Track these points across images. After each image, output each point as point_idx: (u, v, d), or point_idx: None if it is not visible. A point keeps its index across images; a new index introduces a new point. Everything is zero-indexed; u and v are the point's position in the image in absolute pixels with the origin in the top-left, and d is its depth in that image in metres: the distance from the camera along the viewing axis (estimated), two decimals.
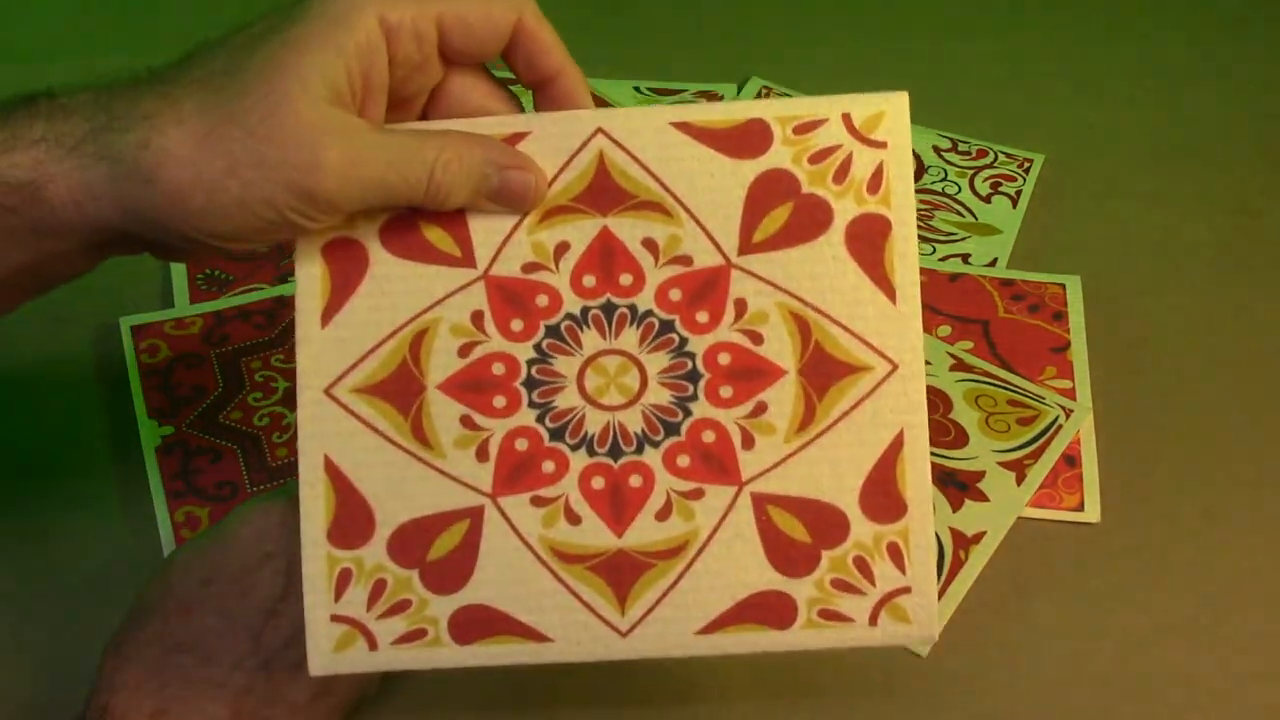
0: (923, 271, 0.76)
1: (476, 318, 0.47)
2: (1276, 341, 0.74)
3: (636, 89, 0.90)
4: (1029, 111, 0.90)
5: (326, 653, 0.47)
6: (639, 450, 0.47)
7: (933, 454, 0.66)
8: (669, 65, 0.92)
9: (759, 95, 0.89)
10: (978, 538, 0.63)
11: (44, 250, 0.46)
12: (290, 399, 0.67)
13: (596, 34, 0.96)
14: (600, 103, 0.88)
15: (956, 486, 0.65)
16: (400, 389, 0.46)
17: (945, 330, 0.73)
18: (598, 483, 0.47)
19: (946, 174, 0.84)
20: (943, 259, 0.77)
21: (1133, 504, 0.65)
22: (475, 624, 0.46)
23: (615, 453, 0.47)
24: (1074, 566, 0.63)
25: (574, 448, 0.47)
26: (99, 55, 0.91)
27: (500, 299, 0.47)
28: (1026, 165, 0.85)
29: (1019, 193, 0.83)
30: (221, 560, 0.52)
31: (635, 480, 0.47)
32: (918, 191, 0.82)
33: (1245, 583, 0.62)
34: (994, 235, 0.80)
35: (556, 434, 0.47)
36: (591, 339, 0.46)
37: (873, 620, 0.47)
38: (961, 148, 0.86)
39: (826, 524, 0.47)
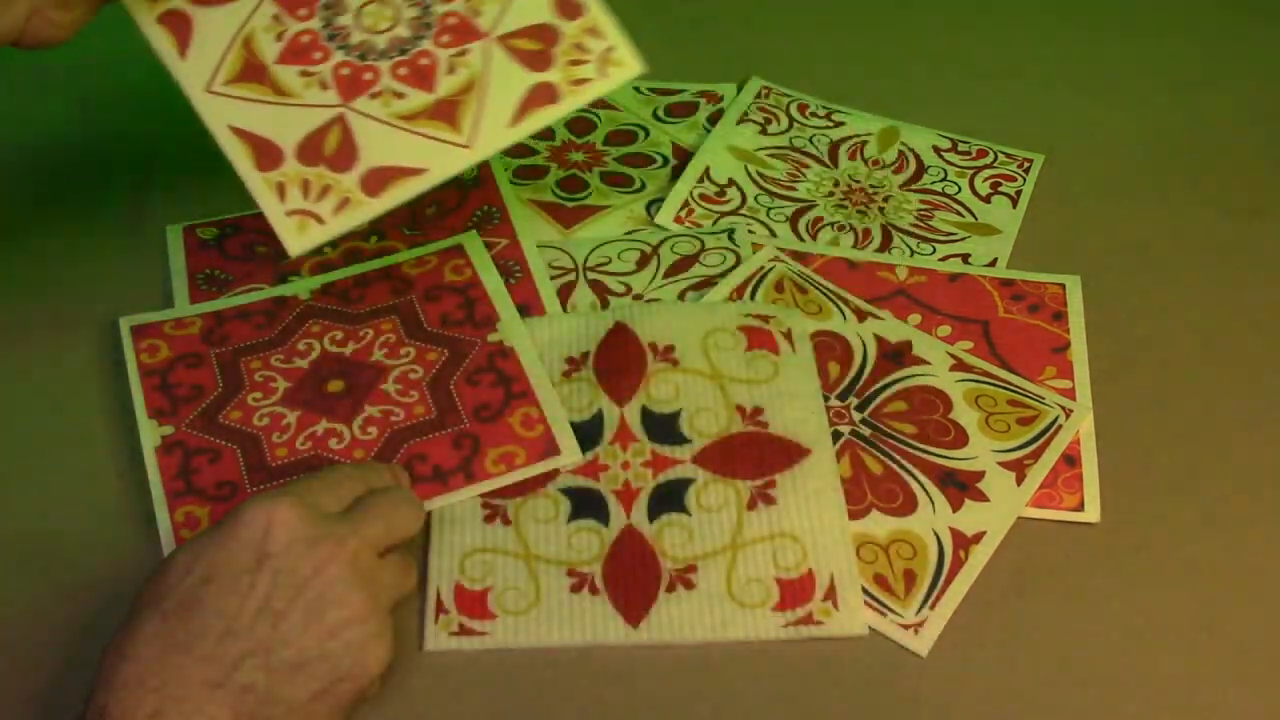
0: (923, 271, 0.76)
1: (275, 18, 0.66)
2: (1276, 341, 0.74)
3: (636, 89, 0.90)
4: (1029, 111, 0.89)
5: (295, 236, 0.64)
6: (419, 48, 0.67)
7: (933, 454, 0.66)
8: (669, 65, 0.92)
9: (760, 94, 0.89)
10: (978, 537, 0.63)
11: None
12: (291, 399, 0.67)
13: None
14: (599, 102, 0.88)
15: (956, 486, 0.65)
16: (253, 72, 0.65)
17: (945, 330, 0.73)
18: (403, 71, 0.66)
19: (946, 174, 0.84)
20: (943, 259, 0.77)
21: (1133, 504, 0.65)
22: (376, 180, 0.64)
23: (404, 52, 0.66)
24: (1074, 566, 0.63)
25: (378, 58, 0.66)
26: (99, 55, 0.91)
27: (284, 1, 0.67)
28: (1026, 165, 0.85)
29: (1019, 193, 0.83)
30: (221, 560, 0.52)
31: (425, 61, 0.66)
32: (917, 191, 0.82)
33: (1245, 583, 0.62)
34: (994, 235, 0.80)
35: (362, 56, 0.66)
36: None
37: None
38: (961, 148, 0.86)
39: (550, 34, 0.67)
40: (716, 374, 0.69)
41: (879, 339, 0.72)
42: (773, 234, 0.79)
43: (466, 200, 0.79)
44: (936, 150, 0.86)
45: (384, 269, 0.74)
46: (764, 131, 0.86)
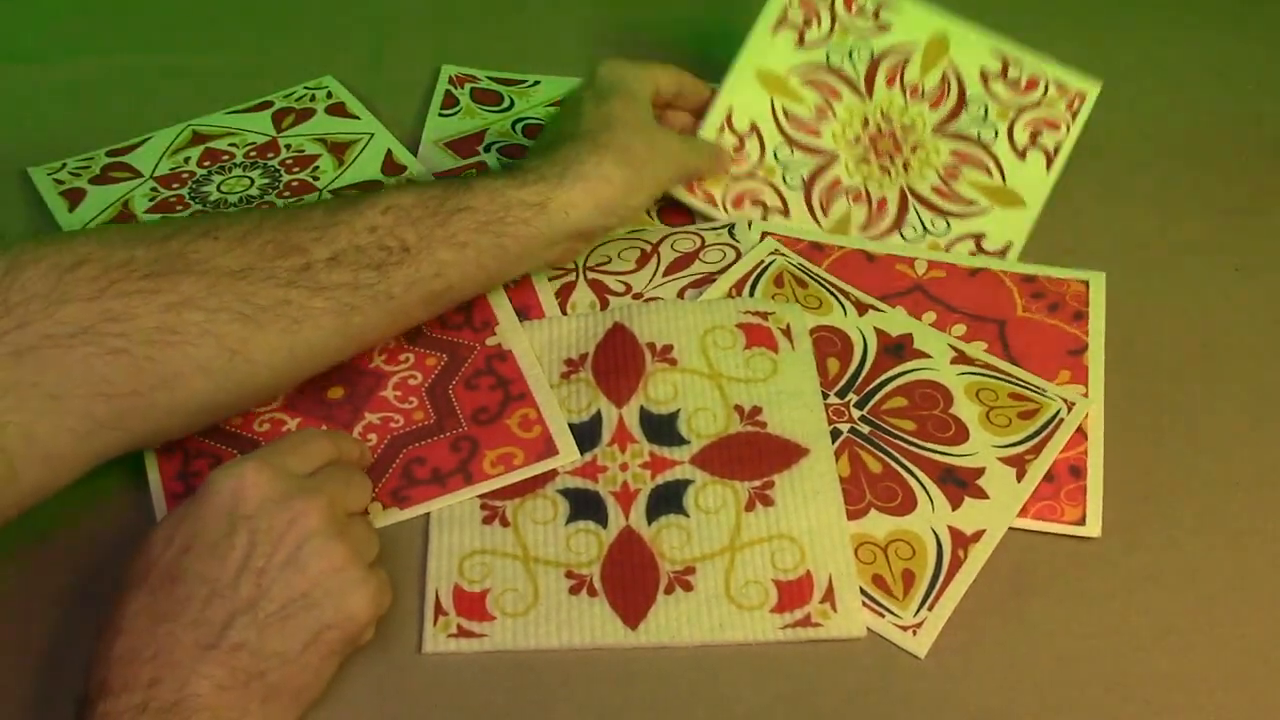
0: (942, 266, 0.76)
1: (154, 189, 0.78)
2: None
3: None
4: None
5: None
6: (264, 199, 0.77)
7: (932, 450, 0.66)
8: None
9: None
10: (977, 536, 0.63)
11: (532, 245, 0.68)
12: (291, 404, 0.68)
13: (596, 33, 0.96)
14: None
15: (956, 484, 0.65)
16: (124, 220, 0.75)
17: (960, 329, 0.73)
18: None
19: (987, 113, 0.80)
20: (956, 239, 0.76)
21: (1134, 516, 0.65)
22: None
23: (250, 201, 0.78)
24: (1072, 567, 0.63)
25: (228, 207, 0.76)
26: (99, 55, 0.91)
27: None
28: (1076, 106, 0.80)
29: (1058, 148, 0.79)
30: (198, 529, 0.54)
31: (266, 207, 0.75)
32: (950, 137, 0.80)
33: (1245, 585, 0.62)
34: (1017, 209, 0.78)
35: (215, 206, 0.77)
36: None
37: None
38: (1012, 73, 0.80)
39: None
40: (715, 373, 0.69)
41: (879, 332, 0.72)
42: (785, 210, 0.78)
43: None
44: (984, 77, 0.80)
45: None
46: (801, 41, 0.80)
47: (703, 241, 0.77)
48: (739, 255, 0.76)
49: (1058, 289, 0.74)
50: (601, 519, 0.63)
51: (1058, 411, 0.68)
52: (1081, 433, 0.68)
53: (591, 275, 0.75)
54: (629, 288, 0.74)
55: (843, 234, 0.78)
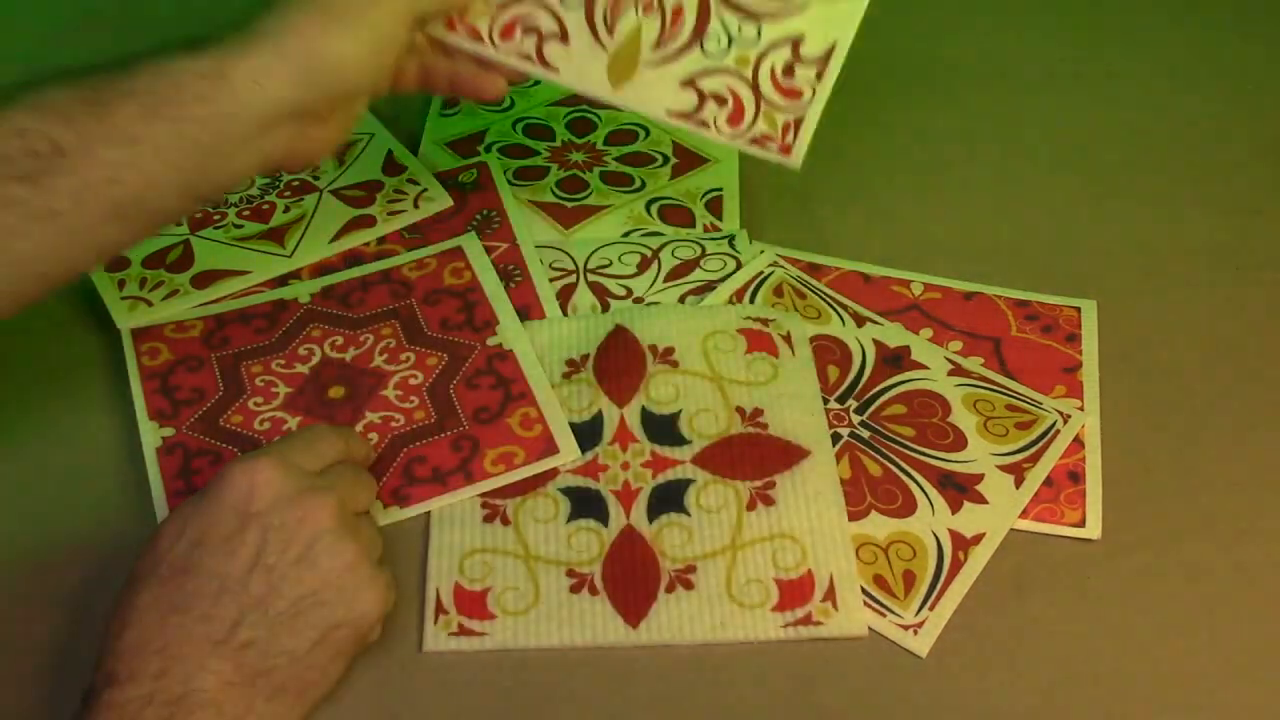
0: (938, 288, 0.76)
1: None
2: None
3: None
4: (1028, 112, 0.90)
5: (124, 313, 0.71)
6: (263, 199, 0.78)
7: (932, 456, 0.66)
8: None
9: None
10: (977, 539, 0.63)
11: (223, 132, 0.57)
12: (292, 404, 0.68)
13: None
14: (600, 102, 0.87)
15: (956, 489, 0.65)
16: None
17: (956, 345, 0.73)
18: (246, 212, 0.75)
19: None
20: (769, 47, 0.64)
21: (1134, 518, 0.65)
22: (205, 279, 0.73)
23: (250, 201, 0.77)
24: (1073, 568, 0.63)
25: (228, 207, 0.76)
26: (99, 55, 0.91)
27: None
28: None
29: None
30: (208, 523, 0.54)
31: (265, 207, 0.76)
32: None
33: (1245, 586, 0.62)
34: (841, 1, 0.64)
35: (215, 206, 0.77)
36: None
37: None
38: None
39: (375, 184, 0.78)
40: (716, 375, 0.69)
41: (878, 344, 0.72)
42: (563, 35, 0.66)
43: (466, 204, 0.79)
44: None
45: (383, 271, 0.74)
46: None
47: (703, 250, 0.77)
48: (739, 265, 0.76)
49: (1051, 313, 0.75)
50: (603, 518, 0.63)
51: (1053, 423, 0.68)
52: (1079, 442, 0.68)
53: (592, 278, 0.75)
54: (630, 292, 0.74)
55: (632, 55, 0.66)
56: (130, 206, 0.56)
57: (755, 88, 0.65)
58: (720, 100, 0.66)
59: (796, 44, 0.65)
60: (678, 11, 0.65)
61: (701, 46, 0.66)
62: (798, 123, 0.66)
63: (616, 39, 0.66)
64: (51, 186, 0.54)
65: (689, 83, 0.66)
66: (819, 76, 0.65)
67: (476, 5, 0.65)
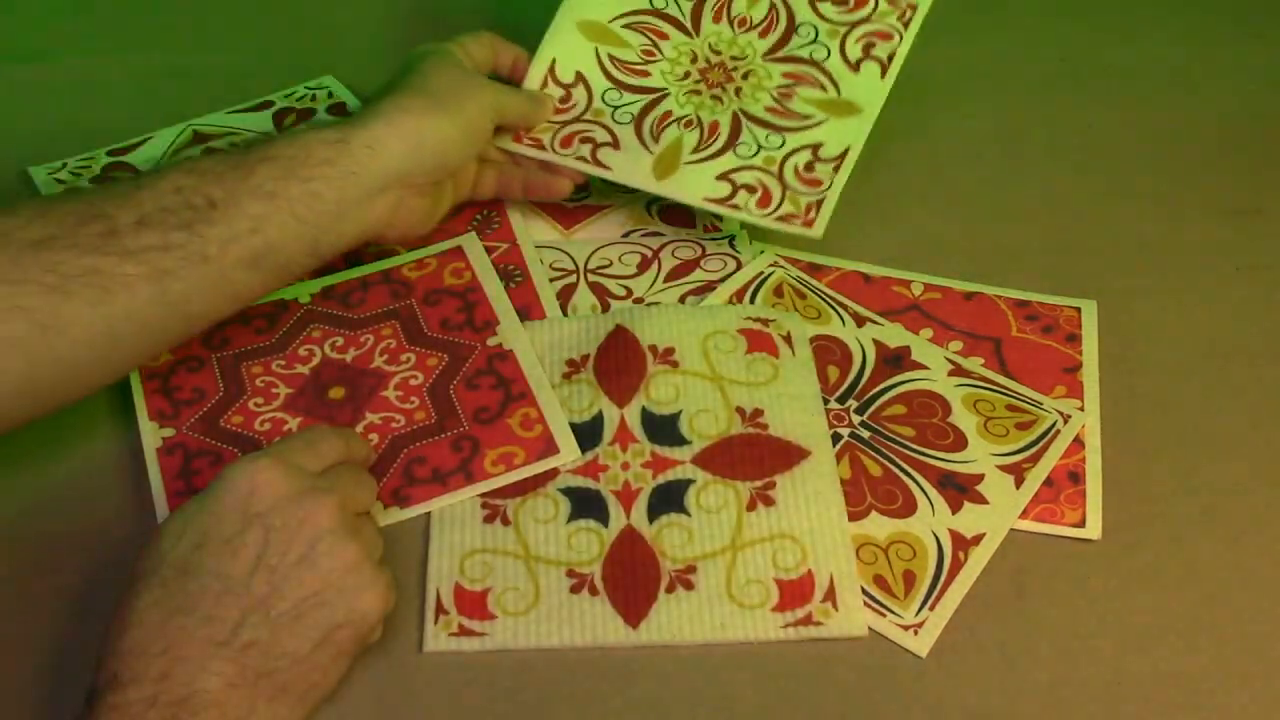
0: (938, 289, 0.76)
1: None
2: None
3: None
4: (1028, 112, 0.90)
5: None
6: None
7: (932, 456, 0.66)
8: None
9: None
10: (977, 539, 0.63)
11: (344, 194, 0.64)
12: (292, 404, 0.68)
13: None
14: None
15: (956, 489, 0.65)
16: None
17: (957, 345, 0.73)
18: None
19: (817, 34, 0.78)
20: (791, 152, 0.75)
21: (1135, 521, 0.65)
22: None
23: None
24: (1073, 568, 0.63)
25: None
26: (99, 55, 0.92)
27: None
28: (909, 15, 0.78)
29: (891, 56, 0.77)
30: (210, 524, 0.54)
31: None
32: (782, 60, 0.78)
33: (1245, 586, 0.62)
34: (853, 116, 0.76)
35: None
36: None
37: None
38: None
39: None
40: (716, 376, 0.69)
41: (878, 344, 0.72)
42: (615, 143, 0.76)
43: (467, 204, 0.79)
44: (810, 2, 0.79)
45: (383, 271, 0.74)
46: None
47: (703, 250, 0.77)
48: (739, 265, 0.76)
49: (1051, 313, 0.75)
50: (603, 518, 0.63)
51: (1054, 424, 0.68)
52: (1079, 442, 0.68)
53: (593, 278, 0.75)
54: (630, 292, 0.74)
55: (673, 157, 0.75)
56: (265, 256, 0.63)
57: (781, 179, 0.74)
58: (751, 189, 0.74)
59: (816, 149, 0.75)
60: (714, 127, 0.76)
61: (734, 151, 0.76)
62: (819, 203, 0.73)
63: (660, 145, 0.76)
64: (205, 234, 0.60)
65: (723, 176, 0.75)
66: (836, 170, 0.74)
67: (540, 119, 0.76)
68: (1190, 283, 0.77)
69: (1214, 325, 0.75)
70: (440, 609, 0.60)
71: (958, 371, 0.71)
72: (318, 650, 0.54)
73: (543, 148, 0.76)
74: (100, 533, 0.63)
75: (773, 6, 0.80)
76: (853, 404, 0.69)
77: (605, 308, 0.73)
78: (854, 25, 0.78)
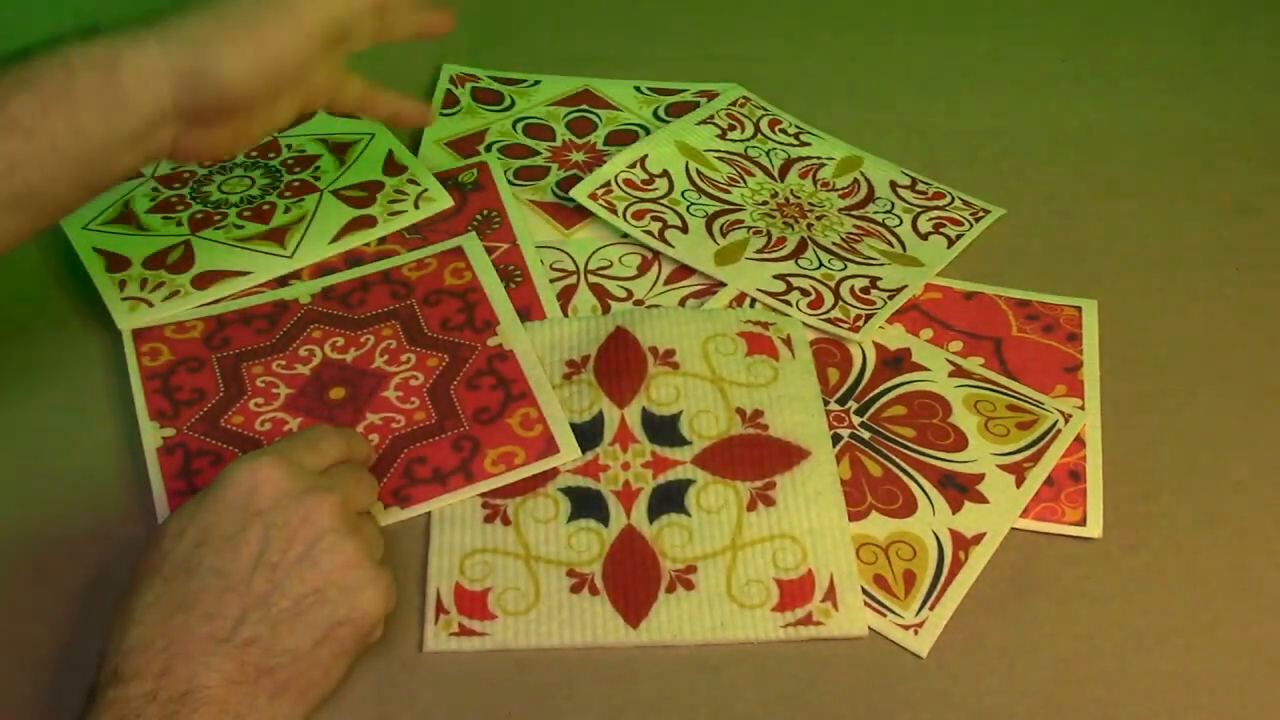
0: (938, 288, 0.76)
1: (155, 189, 0.80)
2: None
3: (637, 89, 0.90)
4: (1027, 111, 0.90)
5: (125, 314, 0.72)
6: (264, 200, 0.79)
7: (932, 456, 0.66)
8: (670, 65, 0.92)
9: (735, 103, 0.88)
10: (977, 539, 0.63)
11: (113, 127, 0.57)
12: (293, 405, 0.68)
13: (597, 32, 0.96)
14: (600, 102, 0.88)
15: (956, 489, 0.65)
16: (124, 219, 0.78)
17: (957, 345, 0.73)
18: (247, 213, 0.77)
19: (893, 207, 0.81)
20: (850, 275, 0.75)
21: (1135, 521, 0.65)
22: (205, 280, 0.74)
23: (251, 202, 0.79)
24: (1073, 568, 0.63)
25: (229, 208, 0.78)
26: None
27: None
28: (980, 215, 0.81)
29: (959, 236, 0.79)
30: (211, 522, 0.54)
31: (266, 207, 0.77)
32: (858, 216, 0.81)
33: (1245, 586, 0.62)
34: (914, 267, 0.77)
35: (216, 206, 0.79)
36: None
37: None
38: (920, 187, 0.83)
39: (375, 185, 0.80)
40: (716, 377, 0.69)
41: (878, 346, 0.72)
42: (684, 227, 0.77)
43: (466, 204, 0.79)
44: (893, 186, 0.83)
45: (384, 272, 0.74)
46: (723, 136, 0.85)
47: None
48: None
49: (1051, 313, 0.75)
50: (603, 518, 0.63)
51: (1054, 423, 0.68)
52: (1080, 441, 0.68)
53: (593, 279, 0.75)
54: (630, 294, 0.74)
55: (737, 252, 0.76)
56: (29, 198, 0.57)
57: (836, 292, 0.75)
58: (805, 292, 0.74)
59: (874, 280, 0.76)
60: (780, 240, 0.78)
61: (796, 262, 0.77)
62: (869, 316, 0.73)
63: (727, 240, 0.78)
64: None
65: (780, 276, 0.76)
66: (890, 299, 0.75)
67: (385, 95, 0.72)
68: (1190, 283, 0.77)
69: (1214, 325, 0.75)
70: (440, 609, 0.60)
71: (958, 372, 0.71)
72: (318, 648, 0.54)
73: (615, 212, 0.78)
74: (100, 533, 0.63)
75: (856, 179, 0.83)
76: (853, 405, 0.69)
77: (605, 309, 0.73)
78: (928, 209, 0.81)
